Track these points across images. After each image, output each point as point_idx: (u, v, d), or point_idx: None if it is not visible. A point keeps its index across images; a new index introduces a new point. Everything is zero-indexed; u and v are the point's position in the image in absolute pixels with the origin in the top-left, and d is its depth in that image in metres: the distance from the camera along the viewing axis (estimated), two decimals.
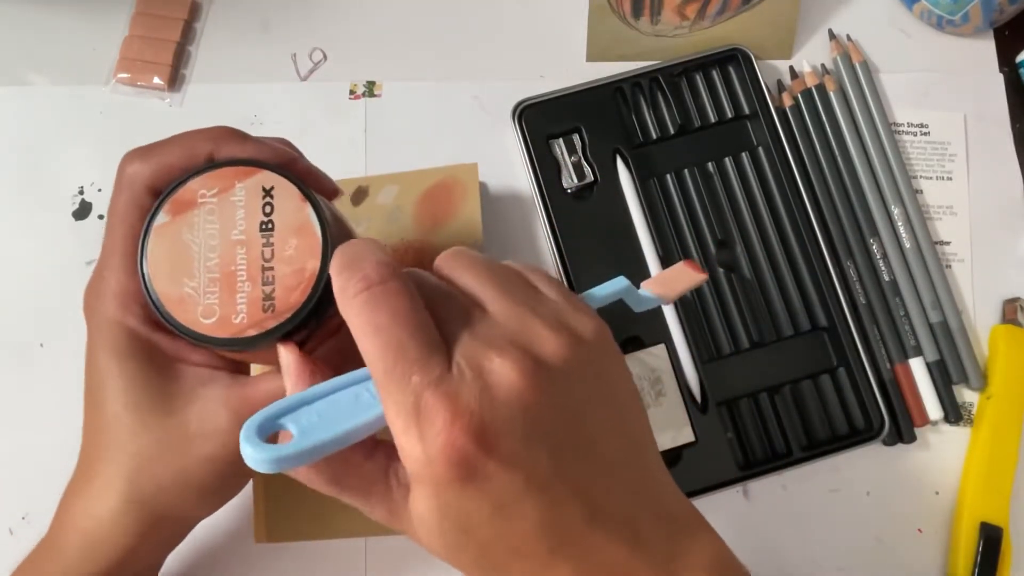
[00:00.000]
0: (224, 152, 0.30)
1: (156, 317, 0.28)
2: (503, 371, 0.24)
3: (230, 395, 0.30)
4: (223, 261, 0.28)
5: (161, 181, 0.30)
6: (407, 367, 0.23)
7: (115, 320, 0.30)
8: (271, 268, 0.28)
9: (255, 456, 0.23)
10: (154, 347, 0.30)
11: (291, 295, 0.28)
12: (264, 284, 0.28)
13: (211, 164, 0.29)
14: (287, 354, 0.27)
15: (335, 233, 0.29)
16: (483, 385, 0.24)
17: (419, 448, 0.23)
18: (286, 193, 0.29)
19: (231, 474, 0.31)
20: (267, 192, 0.29)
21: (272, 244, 0.28)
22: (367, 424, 0.25)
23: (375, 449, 0.27)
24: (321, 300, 0.28)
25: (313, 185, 0.30)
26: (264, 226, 0.28)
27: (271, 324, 0.28)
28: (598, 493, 0.25)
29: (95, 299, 0.31)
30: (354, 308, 0.24)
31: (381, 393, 0.24)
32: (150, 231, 0.29)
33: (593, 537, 0.25)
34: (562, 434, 0.25)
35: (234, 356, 0.31)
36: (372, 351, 0.24)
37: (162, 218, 0.29)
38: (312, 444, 0.24)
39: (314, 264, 0.28)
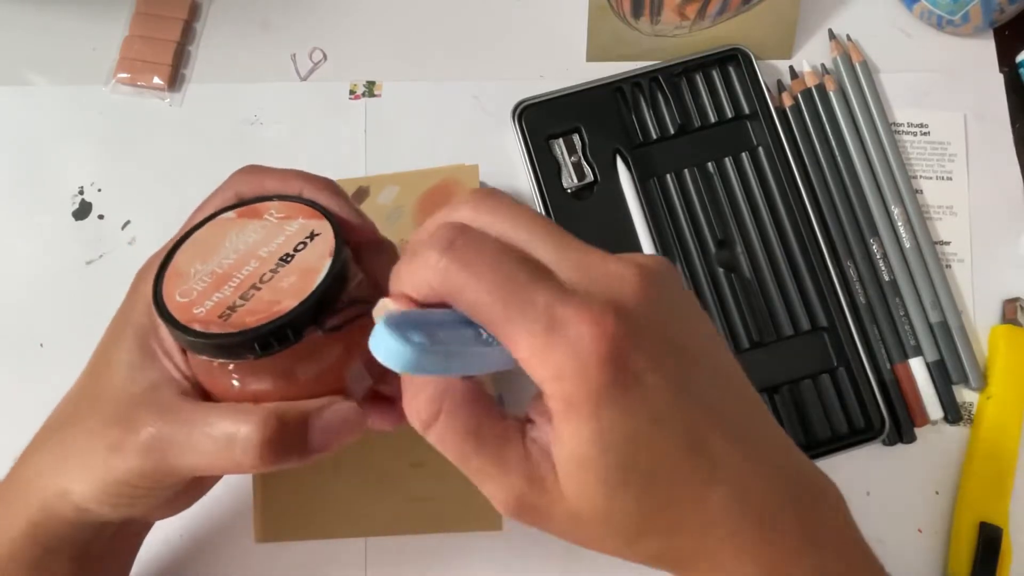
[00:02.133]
0: (312, 194, 0.31)
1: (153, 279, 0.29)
2: (624, 274, 0.23)
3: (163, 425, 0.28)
4: (234, 265, 0.29)
5: (253, 194, 0.32)
6: (525, 292, 0.22)
7: (147, 285, 0.30)
8: (257, 288, 0.28)
9: (399, 349, 0.22)
10: (154, 327, 0.30)
11: (247, 317, 0.27)
12: (241, 297, 0.28)
13: (295, 197, 0.31)
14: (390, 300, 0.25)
15: (332, 290, 0.28)
16: (610, 289, 0.23)
17: (569, 357, 0.22)
18: (323, 243, 0.29)
19: (140, 493, 0.29)
20: (311, 236, 0.30)
21: (276, 272, 0.29)
22: (497, 356, 0.24)
23: (507, 416, 0.25)
24: (269, 337, 0.27)
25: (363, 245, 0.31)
26: (284, 257, 0.29)
27: (208, 329, 0.27)
28: (729, 411, 0.24)
29: (143, 269, 0.31)
30: (443, 270, 0.23)
31: (503, 327, 0.23)
32: (215, 218, 0.31)
33: (736, 456, 0.24)
34: (686, 342, 0.24)
35: (177, 343, 0.30)
36: (482, 296, 0.23)
37: (229, 214, 0.31)
38: (456, 349, 0.23)
39: (287, 304, 0.27)
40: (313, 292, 0.28)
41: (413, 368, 0.22)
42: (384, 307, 0.25)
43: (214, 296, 0.28)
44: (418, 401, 0.25)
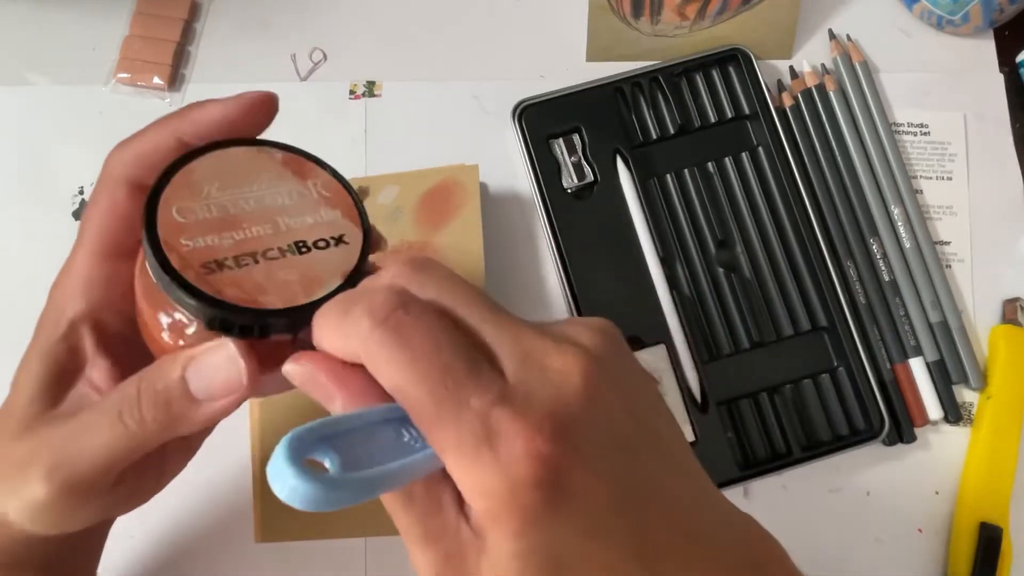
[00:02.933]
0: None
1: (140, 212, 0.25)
2: (567, 367, 0.21)
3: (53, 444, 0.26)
4: (249, 215, 0.26)
5: (139, 172, 0.28)
6: (461, 391, 0.20)
7: (57, 309, 0.28)
8: (255, 261, 0.25)
9: (302, 488, 0.19)
10: (72, 349, 0.28)
11: (227, 286, 0.24)
12: (234, 259, 0.25)
13: (349, 186, 0.28)
14: (308, 364, 0.23)
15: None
16: (552, 388, 0.21)
17: (498, 477, 0.20)
18: (344, 257, 0.26)
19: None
20: (339, 240, 0.26)
21: (283, 256, 0.25)
22: (421, 463, 0.22)
23: (442, 481, 0.23)
24: (233, 322, 0.24)
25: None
26: (300, 245, 0.26)
27: (184, 272, 0.24)
28: (677, 501, 0.23)
29: (51, 291, 0.30)
30: (375, 343, 0.21)
31: (432, 429, 0.21)
32: (259, 146, 0.27)
33: (682, 553, 0.22)
34: (630, 431, 0.22)
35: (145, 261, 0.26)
36: (411, 385, 0.21)
37: (275, 153, 0.27)
38: (371, 475, 0.20)
39: (272, 302, 0.25)
40: (304, 307, 0.24)
41: (322, 506, 0.20)
42: (298, 368, 0.23)
43: (210, 237, 0.25)
44: None
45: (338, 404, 0.23)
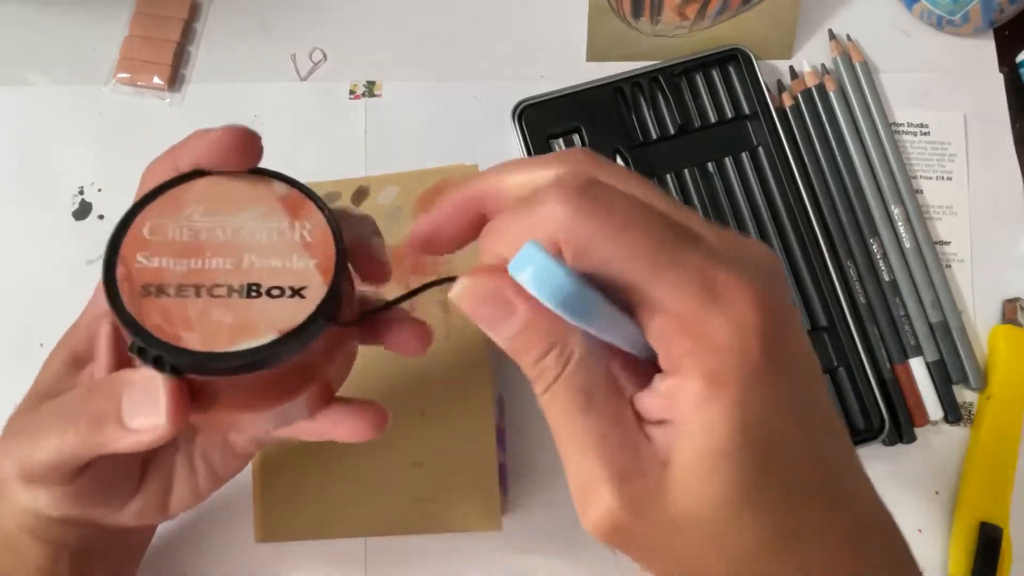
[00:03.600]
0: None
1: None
2: (764, 254, 0.21)
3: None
4: (215, 244, 0.25)
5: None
6: (677, 252, 0.19)
7: (95, 300, 0.31)
8: (197, 294, 0.24)
9: (557, 273, 0.19)
10: (90, 340, 0.30)
11: (154, 315, 0.23)
12: (178, 288, 0.24)
13: (337, 234, 0.26)
14: (484, 277, 0.21)
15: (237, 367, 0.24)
16: (753, 266, 0.20)
17: (724, 330, 0.19)
18: (290, 314, 0.24)
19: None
20: (296, 292, 0.24)
21: (229, 297, 0.24)
22: (631, 329, 0.20)
23: (622, 393, 0.21)
24: (143, 356, 0.24)
25: (364, 268, 0.28)
26: (253, 289, 0.24)
27: (122, 290, 0.24)
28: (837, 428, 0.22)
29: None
30: (580, 219, 0.20)
31: (652, 291, 0.19)
32: (266, 178, 0.26)
33: (865, 487, 0.22)
34: (808, 347, 0.22)
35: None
36: (625, 250, 0.19)
37: (281, 188, 0.26)
38: (598, 299, 0.20)
39: (191, 342, 0.23)
40: (219, 356, 0.23)
41: (563, 300, 0.19)
42: (471, 278, 0.21)
43: (166, 259, 0.24)
44: (538, 325, 0.20)
45: (519, 319, 0.21)
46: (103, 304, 0.27)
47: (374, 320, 0.28)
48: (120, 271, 0.24)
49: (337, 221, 0.26)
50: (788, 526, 0.20)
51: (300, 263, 0.25)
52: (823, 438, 0.21)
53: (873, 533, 0.22)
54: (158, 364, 0.24)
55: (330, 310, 0.25)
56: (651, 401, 0.21)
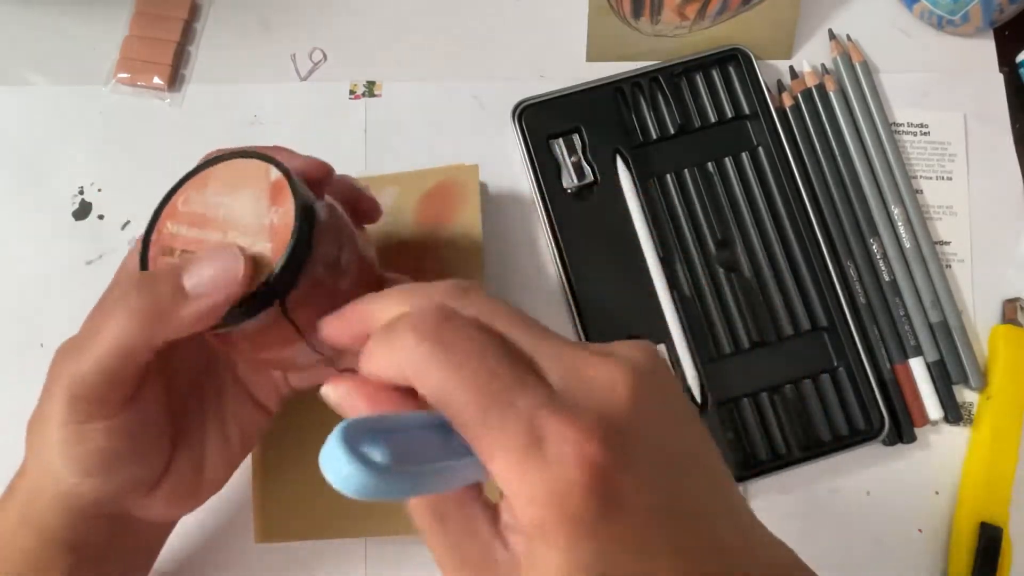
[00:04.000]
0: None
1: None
2: (614, 377, 0.21)
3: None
4: (219, 219, 0.29)
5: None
6: (507, 394, 0.20)
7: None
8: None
9: (356, 475, 0.19)
10: None
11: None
12: (183, 251, 0.29)
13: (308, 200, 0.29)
14: (344, 385, 0.23)
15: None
16: (599, 397, 0.21)
17: (547, 482, 0.19)
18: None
19: (97, 439, 0.29)
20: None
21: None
22: (466, 469, 0.21)
23: (476, 501, 0.23)
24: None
25: (352, 206, 0.32)
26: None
27: (148, 249, 0.29)
28: (719, 524, 0.22)
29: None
30: (421, 355, 0.21)
31: (478, 432, 0.20)
32: (285, 173, 0.29)
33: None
34: (675, 449, 0.22)
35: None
36: (460, 393, 0.20)
37: (275, 175, 0.29)
38: (419, 471, 0.20)
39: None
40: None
41: (371, 494, 0.20)
42: (334, 389, 0.23)
43: (183, 227, 0.29)
44: None
45: None
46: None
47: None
48: (155, 236, 0.29)
49: (309, 210, 0.29)
50: None
51: (259, 247, 0.28)
52: (682, 549, 0.21)
53: None
54: None
55: (257, 296, 0.28)
56: (510, 511, 0.22)
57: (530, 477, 0.20)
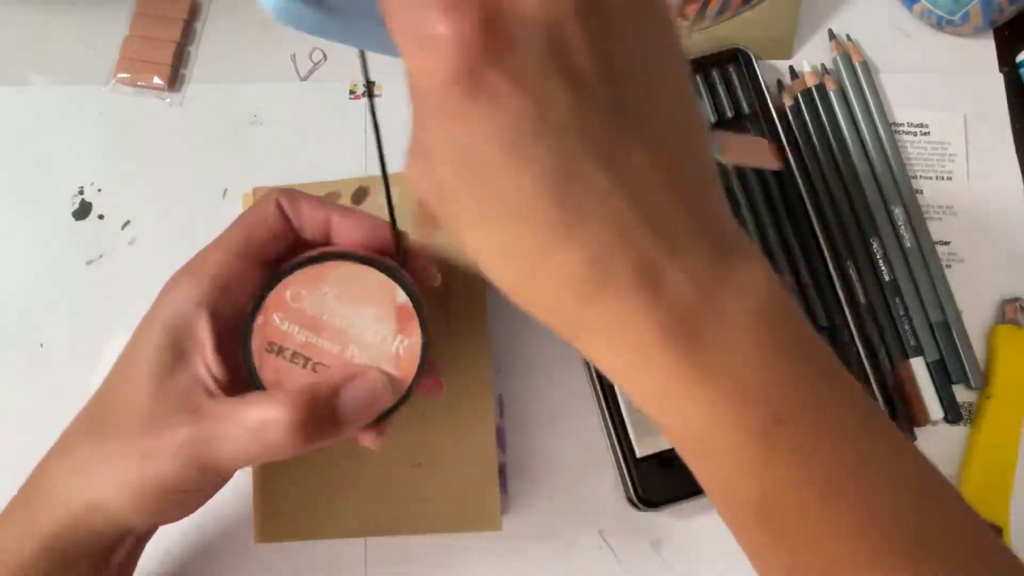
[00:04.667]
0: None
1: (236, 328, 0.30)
2: None
3: (200, 426, 0.28)
4: (333, 329, 0.29)
5: (293, 210, 0.32)
6: None
7: (179, 288, 0.30)
8: (307, 365, 0.29)
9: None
10: (187, 327, 0.30)
11: (275, 369, 0.29)
12: (294, 355, 0.29)
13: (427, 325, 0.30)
14: None
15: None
16: None
17: (425, 60, 0.19)
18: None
19: (176, 499, 0.30)
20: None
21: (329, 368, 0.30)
22: (388, 41, 0.21)
23: None
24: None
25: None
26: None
27: (253, 344, 0.29)
28: (629, 169, 0.20)
29: (177, 272, 0.31)
30: None
31: (388, 11, 0.20)
32: (406, 286, 0.30)
33: (611, 222, 0.20)
34: (597, 78, 0.20)
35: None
36: None
37: (402, 299, 0.30)
38: (348, 17, 0.22)
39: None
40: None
41: (295, 23, 0.20)
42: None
43: (294, 326, 0.29)
44: None
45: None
46: (192, 295, 0.29)
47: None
48: (259, 322, 0.29)
49: (428, 349, 0.30)
50: (492, 211, 0.21)
51: (388, 370, 0.30)
52: (538, 165, 0.20)
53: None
54: None
55: (388, 414, 0.30)
56: None
57: (416, 53, 0.19)
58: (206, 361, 0.29)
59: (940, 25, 0.50)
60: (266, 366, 0.29)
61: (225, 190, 0.47)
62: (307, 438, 0.27)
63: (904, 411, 0.45)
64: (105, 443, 0.29)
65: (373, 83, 0.49)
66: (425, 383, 0.33)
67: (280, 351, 0.29)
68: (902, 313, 0.46)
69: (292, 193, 0.32)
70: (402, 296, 0.30)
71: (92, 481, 0.29)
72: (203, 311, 0.29)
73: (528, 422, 0.44)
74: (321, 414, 0.28)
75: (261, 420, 0.27)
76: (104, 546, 0.31)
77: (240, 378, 0.30)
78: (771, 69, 0.50)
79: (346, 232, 0.31)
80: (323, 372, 0.29)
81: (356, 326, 0.29)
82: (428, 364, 0.31)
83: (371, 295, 0.29)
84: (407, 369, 0.30)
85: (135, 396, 0.29)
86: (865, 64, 0.49)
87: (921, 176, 0.49)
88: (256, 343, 0.29)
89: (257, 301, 0.29)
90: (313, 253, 0.30)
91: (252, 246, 0.31)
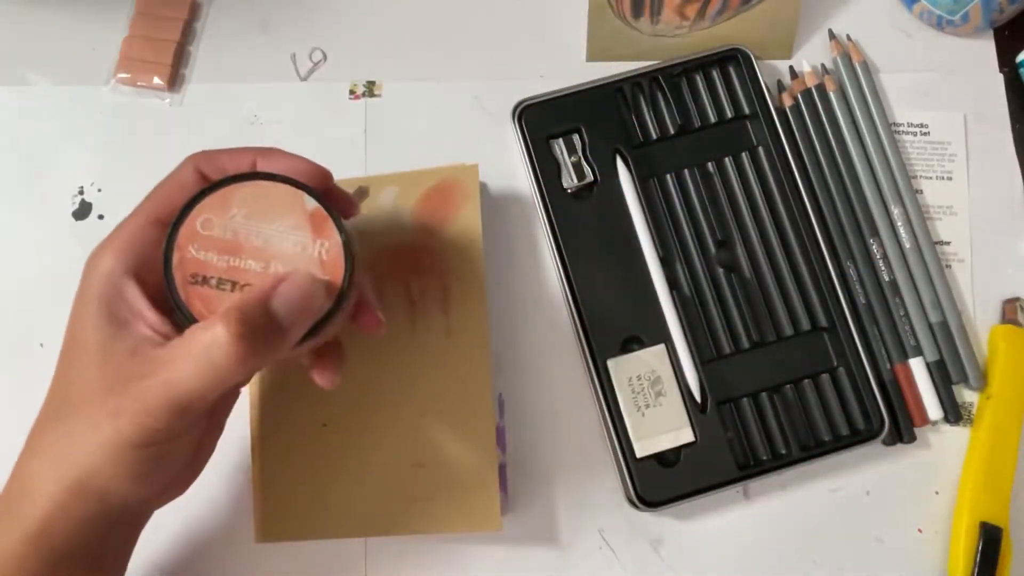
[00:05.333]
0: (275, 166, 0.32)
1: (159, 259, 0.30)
2: None
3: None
4: (251, 248, 0.29)
5: (209, 169, 0.32)
6: None
7: (103, 262, 0.31)
8: (232, 288, 0.29)
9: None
10: (119, 297, 0.30)
11: (197, 301, 0.29)
12: (218, 281, 0.29)
13: (345, 234, 0.30)
14: None
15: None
16: None
17: None
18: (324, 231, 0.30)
19: (156, 454, 0.30)
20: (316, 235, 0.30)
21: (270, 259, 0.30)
22: None
23: None
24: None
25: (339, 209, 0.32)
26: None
27: (174, 277, 0.29)
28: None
29: (93, 253, 0.32)
30: None
31: None
32: (308, 195, 0.30)
33: None
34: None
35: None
36: None
37: (312, 205, 0.30)
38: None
39: None
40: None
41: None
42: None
43: (211, 254, 0.29)
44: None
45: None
46: (117, 264, 0.31)
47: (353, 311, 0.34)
48: (176, 258, 0.29)
49: (352, 248, 0.30)
50: None
51: (312, 251, 0.30)
52: None
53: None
54: None
55: (328, 322, 0.30)
56: None
57: None
58: (147, 322, 0.30)
59: (940, 25, 0.50)
60: (194, 298, 0.29)
61: None
62: (251, 350, 0.27)
63: (904, 411, 0.45)
64: (71, 421, 0.30)
65: (373, 83, 0.50)
66: (362, 320, 0.34)
67: (205, 280, 0.29)
68: (902, 313, 0.46)
69: (208, 153, 0.32)
70: (311, 202, 0.30)
71: (69, 460, 0.29)
72: (129, 278, 0.30)
73: (528, 422, 0.44)
74: (257, 322, 0.28)
75: (204, 346, 0.28)
76: (97, 535, 0.31)
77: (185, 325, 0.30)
78: (771, 69, 0.50)
79: (270, 168, 0.32)
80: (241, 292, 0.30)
81: (274, 240, 0.29)
82: (363, 303, 0.32)
83: (280, 208, 0.30)
84: (334, 271, 0.30)
85: (88, 372, 0.30)
86: (865, 64, 0.49)
87: (921, 176, 0.49)
88: (179, 278, 0.29)
89: (169, 238, 0.29)
90: (213, 182, 0.30)
91: (173, 211, 0.31)
